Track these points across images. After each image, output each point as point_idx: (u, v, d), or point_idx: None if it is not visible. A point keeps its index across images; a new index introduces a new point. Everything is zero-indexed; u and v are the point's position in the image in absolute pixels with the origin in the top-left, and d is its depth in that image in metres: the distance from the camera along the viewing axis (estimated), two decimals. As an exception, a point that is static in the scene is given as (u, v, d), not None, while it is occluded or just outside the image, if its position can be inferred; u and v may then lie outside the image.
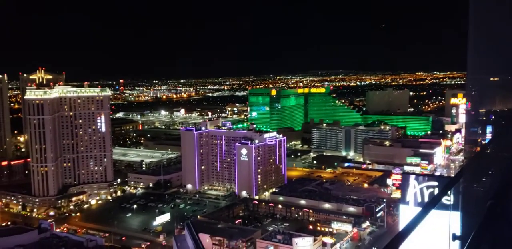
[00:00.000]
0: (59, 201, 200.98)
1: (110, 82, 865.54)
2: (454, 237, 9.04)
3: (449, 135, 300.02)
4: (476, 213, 9.13)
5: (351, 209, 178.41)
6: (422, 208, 8.40)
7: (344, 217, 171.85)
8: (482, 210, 8.23)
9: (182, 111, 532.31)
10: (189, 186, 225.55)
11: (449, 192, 9.51)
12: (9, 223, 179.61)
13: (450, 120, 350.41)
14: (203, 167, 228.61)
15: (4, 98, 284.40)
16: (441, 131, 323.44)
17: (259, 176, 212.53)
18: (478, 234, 7.27)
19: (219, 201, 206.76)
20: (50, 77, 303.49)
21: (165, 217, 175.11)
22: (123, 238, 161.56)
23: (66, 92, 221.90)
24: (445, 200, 9.51)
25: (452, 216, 10.38)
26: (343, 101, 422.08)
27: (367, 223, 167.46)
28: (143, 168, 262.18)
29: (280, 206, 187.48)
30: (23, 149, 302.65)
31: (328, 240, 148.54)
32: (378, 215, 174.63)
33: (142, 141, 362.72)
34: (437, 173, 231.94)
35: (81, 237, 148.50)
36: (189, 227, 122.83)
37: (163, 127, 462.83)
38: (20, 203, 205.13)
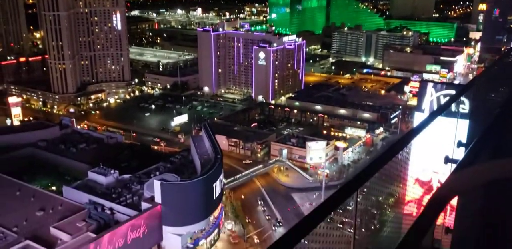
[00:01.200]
0: (79, 99, 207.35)
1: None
2: (460, 144, 9.33)
3: (473, 43, 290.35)
4: (484, 121, 9.28)
5: (366, 115, 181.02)
6: (430, 114, 8.52)
7: (359, 123, 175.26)
8: (490, 119, 8.34)
9: (199, 10, 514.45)
10: (206, 88, 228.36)
11: (460, 99, 9.56)
12: (31, 118, 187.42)
13: (475, 27, 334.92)
14: (220, 70, 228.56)
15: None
16: (465, 39, 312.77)
17: (276, 81, 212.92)
18: (481, 141, 7.48)
19: (236, 105, 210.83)
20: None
21: (183, 118, 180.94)
22: (134, 134, 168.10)
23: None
24: (455, 107, 9.60)
25: (461, 124, 10.56)
26: (366, 4, 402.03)
27: (381, 129, 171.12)
28: (160, 69, 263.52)
29: (295, 111, 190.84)
30: (40, 46, 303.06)
31: (341, 144, 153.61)
32: (393, 121, 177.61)
33: (158, 41, 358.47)
34: (456, 82, 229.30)
35: (101, 134, 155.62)
36: (206, 128, 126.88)
37: (179, 27, 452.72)
38: (41, 99, 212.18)
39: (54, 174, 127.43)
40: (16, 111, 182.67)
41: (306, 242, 5.50)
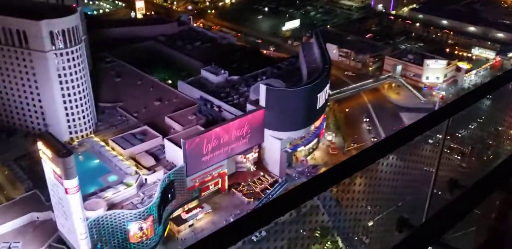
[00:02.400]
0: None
1: None
2: None
3: None
4: None
5: (500, 35, 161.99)
6: None
7: (489, 43, 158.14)
8: None
9: None
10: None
11: None
12: (153, 13, 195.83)
13: None
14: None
15: None
16: None
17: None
18: None
19: (352, 13, 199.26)
20: None
21: (295, 23, 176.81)
22: (259, 40, 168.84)
23: None
24: None
25: None
26: None
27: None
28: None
29: (417, 24, 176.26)
30: None
31: (463, 65, 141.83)
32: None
33: None
34: None
35: (215, 34, 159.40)
36: (317, 35, 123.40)
37: None
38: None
39: (171, 68, 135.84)
40: (140, 5, 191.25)
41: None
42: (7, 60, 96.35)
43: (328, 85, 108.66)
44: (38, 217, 78.32)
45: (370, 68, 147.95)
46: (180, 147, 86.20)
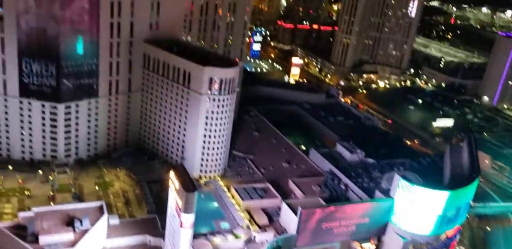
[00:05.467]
0: (351, 74, 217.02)
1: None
2: None
3: None
4: None
5: None
6: None
7: None
8: None
9: (509, 13, 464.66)
10: (485, 98, 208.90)
11: None
12: (305, 80, 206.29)
13: None
14: (510, 82, 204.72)
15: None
16: None
17: None
18: None
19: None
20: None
21: (447, 122, 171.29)
22: (389, 120, 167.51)
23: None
24: None
25: None
26: None
27: None
28: (441, 66, 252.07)
29: None
30: (334, 18, 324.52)
31: None
32: None
33: (449, 36, 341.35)
34: None
35: (360, 113, 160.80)
36: (471, 140, 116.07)
37: (478, 26, 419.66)
38: (318, 66, 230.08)
39: (308, 135, 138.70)
40: (295, 71, 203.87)
41: None
42: (169, 94, 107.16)
43: (471, 196, 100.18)
44: (150, 241, 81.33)
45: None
46: (296, 214, 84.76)
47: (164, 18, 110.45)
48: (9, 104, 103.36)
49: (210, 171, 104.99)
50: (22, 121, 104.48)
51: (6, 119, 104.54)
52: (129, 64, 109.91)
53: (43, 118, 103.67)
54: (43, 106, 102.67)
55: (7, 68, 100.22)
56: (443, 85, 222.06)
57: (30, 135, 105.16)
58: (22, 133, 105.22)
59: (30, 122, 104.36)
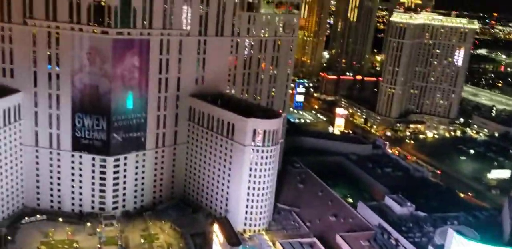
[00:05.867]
0: (398, 124, 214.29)
1: (480, 14, 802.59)
2: None
3: None
4: None
5: None
6: None
7: None
8: None
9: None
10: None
11: None
12: (350, 131, 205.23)
13: None
14: None
15: (372, 18, 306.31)
16: None
17: None
18: None
19: None
20: (419, 2, 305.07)
21: (504, 173, 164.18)
22: (439, 171, 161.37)
23: (431, 19, 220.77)
24: None
25: None
26: None
27: None
28: (492, 114, 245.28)
29: None
30: (377, 68, 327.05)
31: None
32: None
33: (499, 84, 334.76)
34: None
35: (409, 164, 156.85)
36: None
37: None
38: (363, 117, 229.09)
39: (354, 187, 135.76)
40: (340, 122, 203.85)
41: None
42: (213, 145, 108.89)
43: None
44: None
45: None
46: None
47: (209, 73, 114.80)
48: (62, 157, 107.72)
49: (255, 225, 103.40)
50: (73, 174, 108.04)
51: (58, 172, 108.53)
52: (175, 117, 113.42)
53: (93, 171, 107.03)
54: (93, 159, 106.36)
55: (61, 123, 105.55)
56: (496, 134, 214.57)
57: (80, 187, 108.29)
58: (72, 186, 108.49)
59: (80, 175, 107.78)
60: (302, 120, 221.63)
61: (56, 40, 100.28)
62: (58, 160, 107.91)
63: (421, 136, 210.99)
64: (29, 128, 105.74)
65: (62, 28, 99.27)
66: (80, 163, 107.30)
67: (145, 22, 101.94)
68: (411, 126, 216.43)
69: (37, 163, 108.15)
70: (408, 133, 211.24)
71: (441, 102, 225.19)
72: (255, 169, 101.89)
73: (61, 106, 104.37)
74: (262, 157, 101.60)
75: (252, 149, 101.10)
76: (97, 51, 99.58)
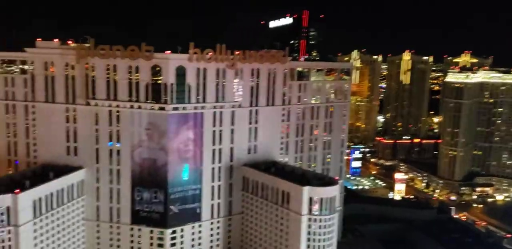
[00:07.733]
0: (462, 188, 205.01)
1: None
2: None
3: None
4: None
5: None
6: None
7: None
8: None
9: None
10: None
11: None
12: (411, 197, 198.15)
13: None
14: None
15: (426, 79, 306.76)
16: None
17: None
18: None
19: None
20: (475, 60, 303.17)
21: None
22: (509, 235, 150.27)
23: (489, 77, 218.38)
24: None
25: None
26: None
27: None
28: None
29: None
30: (435, 130, 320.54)
31: None
32: None
33: None
34: None
35: (479, 229, 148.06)
36: None
37: None
38: (425, 181, 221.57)
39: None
40: (400, 187, 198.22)
41: None
42: (268, 215, 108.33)
43: None
44: None
45: None
46: None
47: (261, 142, 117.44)
48: (121, 231, 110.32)
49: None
50: (132, 248, 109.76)
51: (118, 246, 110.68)
52: (230, 187, 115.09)
53: (151, 244, 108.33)
54: (151, 232, 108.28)
55: (121, 197, 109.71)
56: None
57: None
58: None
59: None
60: (360, 187, 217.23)
61: (116, 118, 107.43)
62: (118, 233, 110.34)
63: (490, 199, 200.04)
64: (91, 203, 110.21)
65: (122, 107, 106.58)
66: (139, 236, 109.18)
67: (199, 97, 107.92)
68: (478, 189, 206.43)
69: (97, 238, 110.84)
70: (475, 197, 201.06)
71: (510, 162, 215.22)
72: (313, 240, 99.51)
73: (121, 181, 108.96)
74: (320, 227, 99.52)
75: (309, 219, 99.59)
76: (155, 126, 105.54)
